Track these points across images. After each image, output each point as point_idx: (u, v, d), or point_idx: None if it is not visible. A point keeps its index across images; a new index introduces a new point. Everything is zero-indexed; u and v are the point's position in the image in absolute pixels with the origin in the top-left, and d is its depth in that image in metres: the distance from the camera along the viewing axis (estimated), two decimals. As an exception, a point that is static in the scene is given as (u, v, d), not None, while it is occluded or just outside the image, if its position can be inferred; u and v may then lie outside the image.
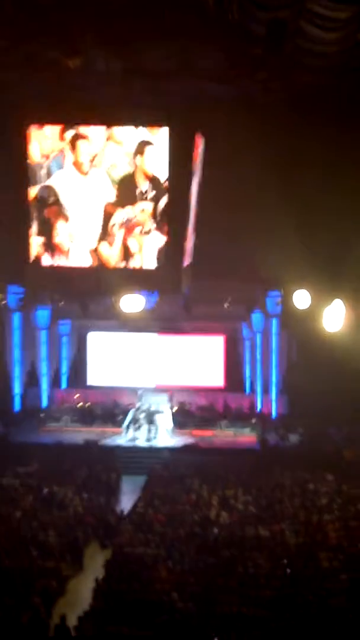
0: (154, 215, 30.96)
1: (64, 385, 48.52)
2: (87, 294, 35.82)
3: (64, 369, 48.66)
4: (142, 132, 30.58)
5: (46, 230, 31.84)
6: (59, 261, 32.02)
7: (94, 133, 30.75)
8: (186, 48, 25.64)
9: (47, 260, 31.90)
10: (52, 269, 32.52)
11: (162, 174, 30.61)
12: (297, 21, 22.26)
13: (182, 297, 36.34)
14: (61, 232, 31.68)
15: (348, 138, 29.48)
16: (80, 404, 46.02)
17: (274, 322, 42.52)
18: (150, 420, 41.83)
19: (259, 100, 30.10)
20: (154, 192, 31.17)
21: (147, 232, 31.44)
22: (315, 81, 28.03)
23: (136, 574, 23.84)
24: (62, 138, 30.74)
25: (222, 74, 28.08)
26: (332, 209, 30.45)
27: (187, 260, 32.39)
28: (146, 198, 31.37)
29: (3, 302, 38.42)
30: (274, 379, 44.47)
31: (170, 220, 31.73)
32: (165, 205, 30.92)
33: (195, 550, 25.74)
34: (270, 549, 25.90)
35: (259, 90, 29.26)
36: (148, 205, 30.96)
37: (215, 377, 48.30)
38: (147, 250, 31.05)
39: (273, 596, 22.28)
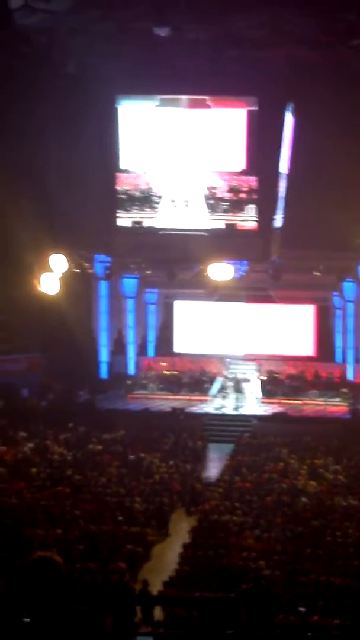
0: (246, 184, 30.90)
1: (150, 353, 48.64)
2: (174, 262, 35.84)
3: (151, 337, 48.76)
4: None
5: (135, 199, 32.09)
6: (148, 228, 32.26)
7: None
8: (277, 15, 25.35)
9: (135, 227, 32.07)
10: (140, 236, 32.69)
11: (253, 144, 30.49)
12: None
13: (272, 266, 36.11)
14: (152, 199, 31.88)
15: None
16: (167, 371, 46.12)
17: (367, 290, 42.05)
18: (238, 388, 41.75)
19: (353, 67, 29.69)
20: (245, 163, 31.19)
21: (239, 201, 31.47)
22: None
23: (222, 541, 23.85)
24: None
25: (314, 40, 27.75)
26: None
27: (277, 224, 32.21)
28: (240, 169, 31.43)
29: (90, 271, 38.66)
30: (365, 348, 44.05)
31: (261, 189, 31.61)
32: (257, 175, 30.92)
33: (282, 518, 25.67)
34: (360, 519, 25.75)
35: (353, 57, 28.86)
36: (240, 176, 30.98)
37: (305, 346, 47.94)
38: (240, 217, 30.99)
39: (362, 566, 22.15)
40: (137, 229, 34.11)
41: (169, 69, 30.23)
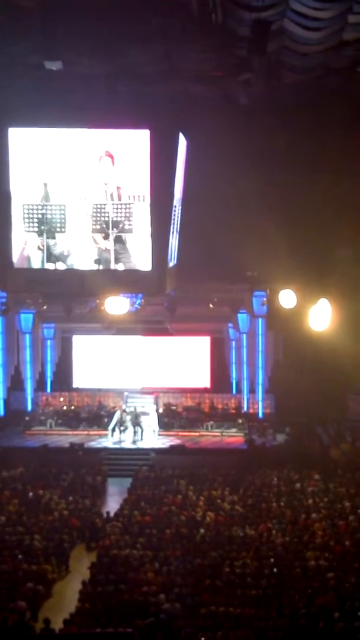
0: (137, 217, 30.94)
1: (48, 388, 48.25)
2: (71, 297, 35.70)
3: (49, 372, 48.41)
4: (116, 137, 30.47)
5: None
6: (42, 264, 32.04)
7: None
8: (171, 51, 25.61)
9: (30, 263, 31.77)
10: (35, 271, 32.44)
11: (144, 176, 30.55)
12: (280, 21, 22.31)
13: (167, 299, 36.28)
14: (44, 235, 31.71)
15: (331, 137, 29.54)
16: (65, 407, 45.90)
17: (260, 322, 42.47)
18: (136, 422, 41.78)
19: (241, 100, 30.16)
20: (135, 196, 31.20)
21: (131, 234, 31.51)
22: (297, 81, 28.12)
23: (122, 575, 23.81)
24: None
25: (205, 75, 28.13)
26: (317, 208, 30.49)
27: (171, 262, 32.34)
28: (129, 201, 31.45)
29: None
30: (260, 379, 44.47)
31: (154, 222, 31.73)
32: (149, 208, 30.94)
33: (182, 551, 25.72)
34: (257, 549, 25.92)
35: (242, 91, 29.33)
36: (131, 208, 30.97)
37: (202, 378, 48.23)
38: (133, 252, 30.97)
39: (259, 595, 22.32)
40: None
41: (62, 103, 30.18)
